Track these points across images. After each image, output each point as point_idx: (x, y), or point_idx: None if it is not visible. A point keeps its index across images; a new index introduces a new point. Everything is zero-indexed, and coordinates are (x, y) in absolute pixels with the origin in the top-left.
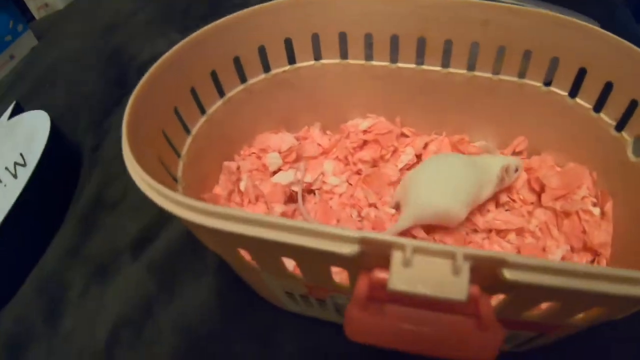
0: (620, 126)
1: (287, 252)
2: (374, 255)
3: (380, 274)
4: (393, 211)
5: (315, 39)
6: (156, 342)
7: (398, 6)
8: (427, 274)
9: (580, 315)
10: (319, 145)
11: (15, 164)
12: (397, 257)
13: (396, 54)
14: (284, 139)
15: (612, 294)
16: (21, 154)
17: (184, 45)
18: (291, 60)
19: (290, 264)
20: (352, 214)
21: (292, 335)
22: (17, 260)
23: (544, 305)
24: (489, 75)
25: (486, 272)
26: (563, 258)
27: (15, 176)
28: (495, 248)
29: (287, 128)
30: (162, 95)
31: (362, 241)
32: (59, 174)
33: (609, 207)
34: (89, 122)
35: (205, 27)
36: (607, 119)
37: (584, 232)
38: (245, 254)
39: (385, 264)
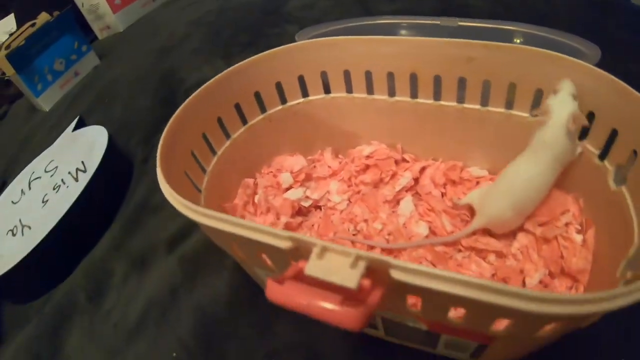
0: (602, 155)
1: (259, 247)
2: (302, 250)
3: (302, 263)
4: (380, 227)
5: (325, 75)
6: (177, 321)
7: (392, 46)
8: (333, 266)
9: (498, 326)
10: (329, 167)
11: (77, 169)
12: (314, 252)
13: (393, 89)
14: (297, 161)
15: (482, 301)
16: (82, 162)
17: (213, 82)
18: (304, 93)
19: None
20: (349, 228)
21: (288, 327)
22: (72, 249)
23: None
24: (477, 107)
25: (382, 272)
26: (541, 282)
27: (76, 180)
28: (472, 267)
29: (304, 151)
30: (193, 123)
31: (292, 239)
32: (112, 180)
33: (590, 234)
34: (141, 137)
35: (231, 68)
36: (591, 148)
37: (562, 257)
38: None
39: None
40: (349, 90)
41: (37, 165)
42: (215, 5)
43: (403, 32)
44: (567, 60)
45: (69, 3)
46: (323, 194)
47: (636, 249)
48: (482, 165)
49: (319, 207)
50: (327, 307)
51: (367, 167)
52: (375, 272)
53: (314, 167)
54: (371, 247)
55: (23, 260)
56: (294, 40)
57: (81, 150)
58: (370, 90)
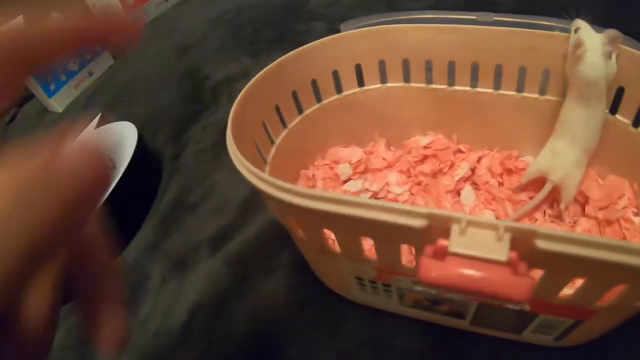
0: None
1: (367, 230)
2: (436, 229)
3: (442, 242)
4: None
5: (382, 64)
6: (230, 327)
7: (453, 35)
8: (477, 241)
9: (611, 298)
10: (384, 159)
11: None
12: (455, 228)
13: (453, 78)
14: (354, 153)
15: (632, 265)
16: (111, 159)
17: (270, 68)
18: (360, 83)
19: (367, 245)
20: None
21: (357, 325)
22: None
23: (575, 284)
24: (535, 95)
25: (525, 243)
26: None
27: None
28: None
29: (356, 143)
30: (254, 111)
31: (429, 216)
32: (143, 178)
33: None
34: (168, 134)
35: (288, 54)
36: (622, 119)
37: (625, 239)
38: (329, 235)
39: (445, 236)
40: (407, 79)
41: None
42: (234, 4)
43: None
44: (627, 52)
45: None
46: (382, 185)
47: None
48: (535, 154)
49: (378, 200)
50: (497, 279)
51: (425, 157)
52: (518, 243)
53: (367, 158)
54: None
55: None
56: (322, 37)
57: (109, 147)
58: (429, 79)
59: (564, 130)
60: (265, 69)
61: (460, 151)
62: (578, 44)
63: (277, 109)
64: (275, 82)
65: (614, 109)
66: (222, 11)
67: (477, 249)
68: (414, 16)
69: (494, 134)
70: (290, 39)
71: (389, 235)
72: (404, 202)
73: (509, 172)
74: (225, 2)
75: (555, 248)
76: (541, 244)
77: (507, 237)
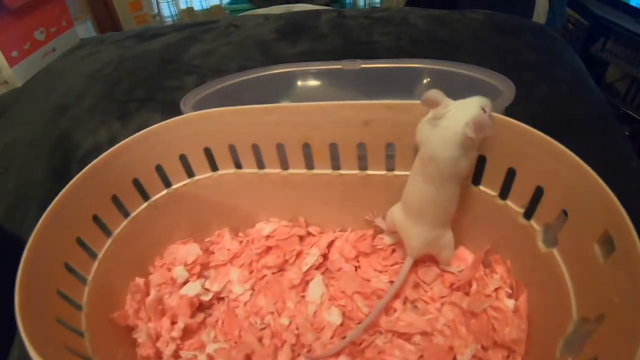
0: (528, 214)
1: None
2: None
3: None
4: (287, 322)
5: (209, 152)
6: None
7: (277, 115)
8: None
9: None
10: (229, 250)
11: None
12: None
13: (285, 161)
14: (190, 251)
15: None
16: None
17: (80, 177)
18: (190, 173)
19: None
20: (256, 322)
21: None
22: None
23: None
24: (382, 172)
25: None
26: (474, 357)
27: None
28: (395, 352)
29: (201, 233)
30: (64, 228)
31: None
32: None
33: (522, 299)
34: (35, 214)
35: (103, 155)
36: (514, 206)
37: (494, 329)
38: None
39: None
40: (238, 165)
41: None
42: (115, 55)
43: (302, 80)
44: None
45: None
46: (224, 284)
47: (575, 325)
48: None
49: (223, 298)
50: None
51: (269, 248)
52: None
53: (212, 252)
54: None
55: None
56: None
57: None
58: (260, 164)
59: (407, 200)
60: (71, 182)
61: (310, 234)
62: (440, 108)
63: (96, 219)
64: (89, 190)
65: (477, 179)
66: (104, 63)
67: None
68: (271, 71)
69: (345, 213)
70: (161, 97)
71: None
72: (245, 302)
73: (365, 254)
74: (110, 52)
75: None
76: None
77: None
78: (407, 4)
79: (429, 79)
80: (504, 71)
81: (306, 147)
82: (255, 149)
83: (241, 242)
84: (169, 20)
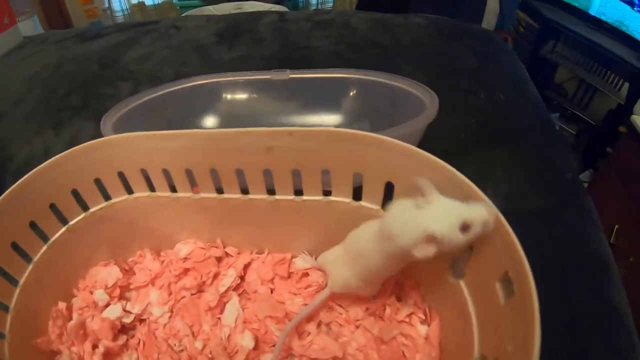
0: None
1: None
2: None
3: None
4: (201, 345)
5: (123, 176)
6: None
7: (183, 140)
8: None
9: None
10: (150, 270)
11: None
12: None
13: (196, 185)
14: (111, 273)
15: None
16: None
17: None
18: (106, 197)
19: None
20: (175, 344)
21: None
22: None
23: None
24: (291, 197)
25: None
26: None
27: None
28: None
29: (123, 254)
30: None
31: None
32: None
33: (435, 326)
34: None
35: (20, 181)
36: None
37: (405, 356)
38: None
39: None
40: (152, 188)
41: None
42: (55, 57)
43: (230, 91)
44: (375, 139)
45: None
46: (145, 305)
47: None
48: (312, 252)
49: (145, 319)
50: None
51: (187, 270)
52: None
53: (134, 273)
54: None
55: None
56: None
57: None
58: (173, 187)
59: (349, 247)
60: None
61: (228, 255)
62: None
63: (15, 246)
64: (6, 215)
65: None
66: (44, 65)
67: None
68: (195, 82)
69: (261, 235)
70: (95, 105)
71: None
72: (165, 324)
73: (282, 277)
74: (50, 53)
75: None
76: None
77: None
78: (358, 6)
79: (355, 91)
80: (442, 78)
81: (214, 173)
82: (166, 174)
83: (163, 262)
84: (119, 15)
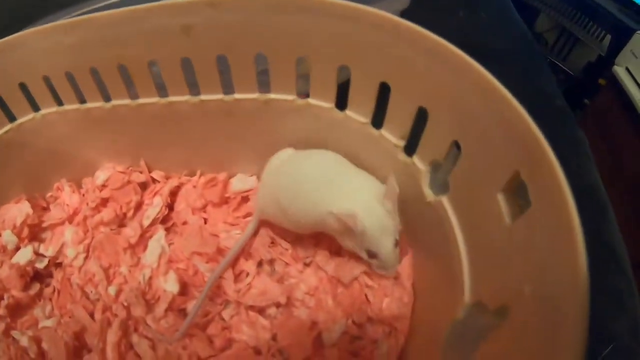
0: (410, 149)
1: None
2: None
3: None
4: (114, 291)
5: (25, 88)
6: None
7: (80, 31)
8: None
9: None
10: (68, 205)
11: None
12: None
13: (106, 90)
14: (21, 211)
15: None
16: None
17: None
18: (11, 117)
19: None
20: (92, 291)
21: None
22: None
23: None
24: (219, 96)
25: None
26: (347, 332)
27: None
28: (244, 329)
29: (40, 188)
30: None
31: None
32: None
33: (407, 263)
34: None
35: None
36: (391, 137)
37: (368, 301)
38: None
39: None
40: (60, 102)
41: None
42: None
43: None
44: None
45: None
46: (59, 247)
47: (465, 311)
48: (252, 170)
49: (61, 264)
50: None
51: (105, 201)
52: None
53: (49, 210)
54: None
55: None
56: None
57: None
58: (81, 97)
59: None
60: None
61: (155, 180)
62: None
63: None
64: None
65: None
66: None
67: None
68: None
69: (189, 151)
70: None
71: None
72: (79, 269)
73: (215, 204)
74: None
75: None
76: None
77: None
78: None
79: None
80: None
81: (123, 70)
82: (71, 79)
83: (84, 195)
84: None
